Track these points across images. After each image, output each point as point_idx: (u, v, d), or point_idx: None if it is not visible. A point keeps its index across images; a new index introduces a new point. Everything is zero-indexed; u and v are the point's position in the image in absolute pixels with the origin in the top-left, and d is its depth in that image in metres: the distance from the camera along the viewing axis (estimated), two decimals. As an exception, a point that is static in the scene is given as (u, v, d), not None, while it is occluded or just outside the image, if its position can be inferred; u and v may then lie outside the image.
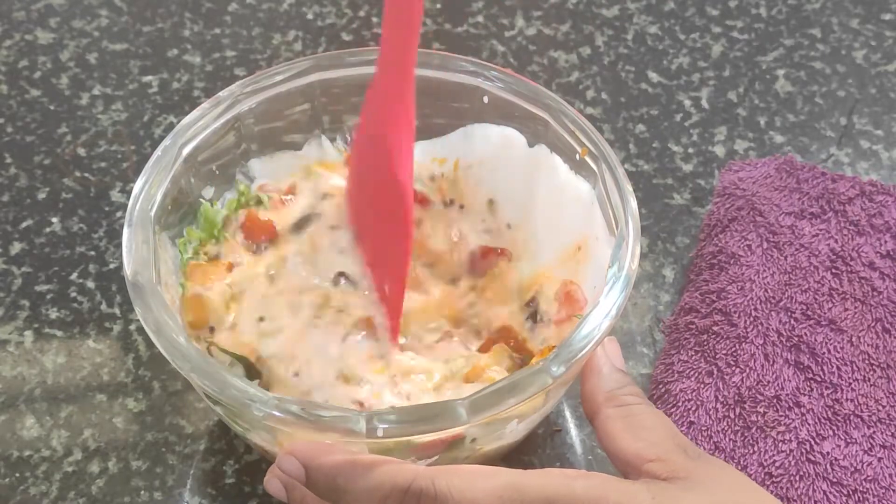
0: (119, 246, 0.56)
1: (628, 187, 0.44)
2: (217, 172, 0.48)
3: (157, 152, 0.45)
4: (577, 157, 0.46)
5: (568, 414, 0.50)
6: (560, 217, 0.48)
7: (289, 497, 0.39)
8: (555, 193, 0.48)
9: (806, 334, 0.50)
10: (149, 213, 0.43)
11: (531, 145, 0.49)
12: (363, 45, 0.67)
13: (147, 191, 0.44)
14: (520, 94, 0.48)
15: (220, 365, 0.38)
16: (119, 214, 0.57)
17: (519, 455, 0.48)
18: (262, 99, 0.48)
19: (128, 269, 0.41)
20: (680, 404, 0.48)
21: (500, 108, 0.49)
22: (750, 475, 0.46)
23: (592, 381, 0.41)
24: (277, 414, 0.37)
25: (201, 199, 0.48)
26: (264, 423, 0.38)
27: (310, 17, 0.69)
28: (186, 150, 0.46)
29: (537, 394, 0.38)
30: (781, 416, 0.48)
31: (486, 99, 0.49)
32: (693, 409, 0.48)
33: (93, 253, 0.56)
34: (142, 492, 0.47)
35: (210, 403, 0.43)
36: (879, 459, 0.47)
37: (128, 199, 0.58)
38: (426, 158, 0.51)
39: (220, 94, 0.47)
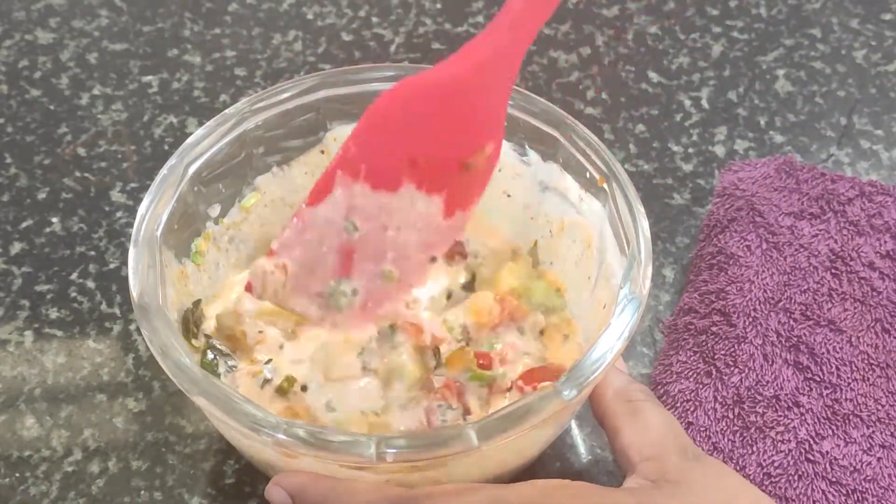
0: (119, 245, 0.56)
1: (640, 207, 0.43)
2: (223, 190, 0.48)
3: (163, 171, 0.44)
4: (588, 174, 0.46)
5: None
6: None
7: None
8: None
9: (805, 334, 0.50)
10: (155, 232, 0.43)
11: (544, 161, 0.48)
12: (363, 44, 0.67)
13: (153, 210, 0.43)
14: (531, 112, 0.47)
15: (227, 388, 0.38)
16: (119, 214, 0.57)
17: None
18: (268, 116, 0.47)
19: (134, 291, 0.41)
20: (678, 405, 0.48)
21: (511, 127, 0.47)
22: (748, 475, 0.46)
23: (601, 380, 0.41)
24: (285, 438, 0.36)
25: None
26: (272, 446, 0.38)
27: (310, 17, 0.69)
28: (192, 169, 0.45)
29: (550, 417, 0.38)
30: (780, 416, 0.48)
31: None
32: (692, 409, 0.48)
33: (93, 253, 0.56)
34: (142, 492, 0.47)
35: (216, 424, 0.42)
36: (878, 459, 0.47)
37: (128, 198, 0.58)
38: None
39: (227, 111, 0.47)
